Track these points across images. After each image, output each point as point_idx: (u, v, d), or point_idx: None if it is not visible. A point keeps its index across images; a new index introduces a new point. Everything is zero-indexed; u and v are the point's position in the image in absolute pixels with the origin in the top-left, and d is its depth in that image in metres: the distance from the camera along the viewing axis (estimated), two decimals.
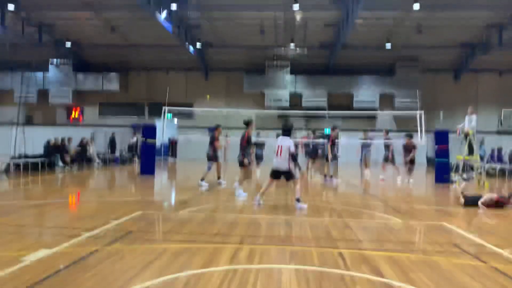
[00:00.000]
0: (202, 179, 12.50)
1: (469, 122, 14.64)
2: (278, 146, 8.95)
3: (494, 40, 24.66)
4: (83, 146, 21.40)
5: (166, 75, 31.17)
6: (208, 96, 23.44)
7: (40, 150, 18.96)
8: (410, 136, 15.61)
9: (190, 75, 31.32)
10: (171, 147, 28.21)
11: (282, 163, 8.89)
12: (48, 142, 18.91)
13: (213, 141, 12.78)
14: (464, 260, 5.15)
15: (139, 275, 4.26)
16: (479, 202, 9.40)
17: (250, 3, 22.26)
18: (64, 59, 30.37)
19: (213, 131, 13.23)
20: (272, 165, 9.13)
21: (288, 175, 8.99)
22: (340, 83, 29.66)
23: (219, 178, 13.03)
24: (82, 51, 30.10)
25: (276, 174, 9.08)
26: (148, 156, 16.56)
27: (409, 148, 15.53)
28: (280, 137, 9.19)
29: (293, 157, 8.92)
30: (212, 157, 12.78)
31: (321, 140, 17.42)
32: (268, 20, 24.34)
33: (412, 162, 15.56)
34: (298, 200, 8.85)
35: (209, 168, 12.75)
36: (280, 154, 8.88)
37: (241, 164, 10.94)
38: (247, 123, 10.96)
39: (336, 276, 4.37)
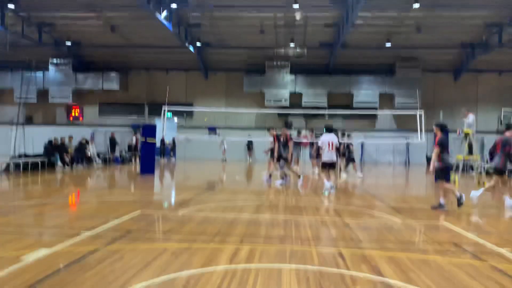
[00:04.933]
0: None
1: (467, 123, 14.70)
2: (329, 143, 11.07)
3: (494, 40, 24.63)
4: (82, 146, 21.34)
5: (166, 75, 31.16)
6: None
7: (40, 150, 18.95)
8: (287, 126, 13.20)
9: (190, 75, 31.30)
10: (163, 148, 27.37)
11: (333, 155, 11.24)
12: (50, 142, 18.85)
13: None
14: (464, 260, 5.16)
15: (139, 274, 4.26)
16: None
17: (250, 3, 22.24)
18: (64, 59, 30.36)
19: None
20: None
21: (335, 166, 11.68)
22: (340, 83, 29.64)
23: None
24: (82, 51, 30.08)
25: (326, 165, 11.29)
26: (148, 156, 16.57)
27: (285, 141, 12.85)
28: (326, 134, 11.34)
29: (338, 150, 11.78)
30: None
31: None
32: (268, 20, 24.33)
33: (286, 158, 12.90)
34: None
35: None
36: (332, 149, 11.10)
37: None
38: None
39: (336, 276, 4.37)
